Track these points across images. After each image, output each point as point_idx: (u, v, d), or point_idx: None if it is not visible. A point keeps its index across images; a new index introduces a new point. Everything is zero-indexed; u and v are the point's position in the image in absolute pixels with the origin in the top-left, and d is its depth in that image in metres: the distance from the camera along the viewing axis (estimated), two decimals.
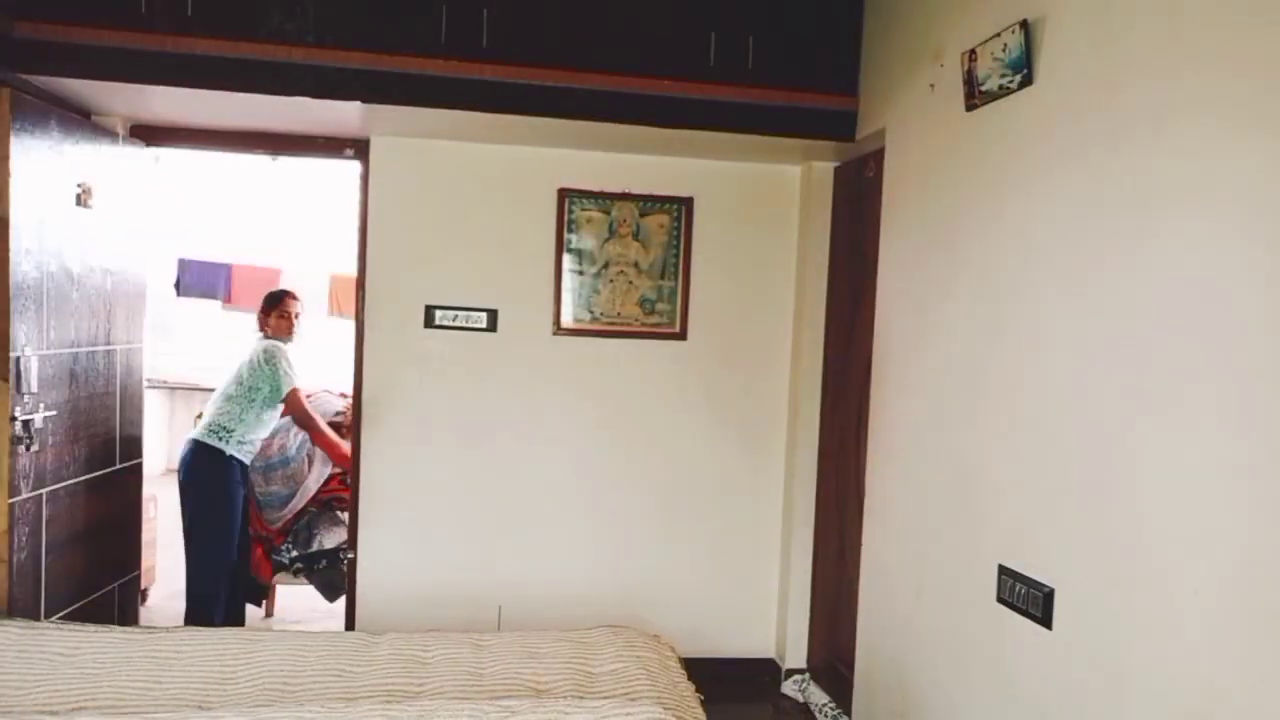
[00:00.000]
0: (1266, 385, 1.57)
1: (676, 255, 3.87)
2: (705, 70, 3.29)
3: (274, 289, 4.39)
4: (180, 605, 3.98)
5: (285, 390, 3.91)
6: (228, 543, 3.79)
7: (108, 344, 3.49)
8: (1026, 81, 2.29)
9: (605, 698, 2.07)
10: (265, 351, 3.92)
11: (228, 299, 7.37)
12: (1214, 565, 1.67)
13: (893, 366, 3.07)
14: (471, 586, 3.80)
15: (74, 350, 3.25)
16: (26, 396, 2.94)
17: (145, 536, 4.01)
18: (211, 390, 7.32)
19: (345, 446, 3.99)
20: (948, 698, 2.62)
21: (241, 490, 3.86)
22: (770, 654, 4.01)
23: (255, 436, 3.91)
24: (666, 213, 3.85)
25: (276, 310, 4.05)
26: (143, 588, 4.11)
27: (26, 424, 2.94)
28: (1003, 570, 2.33)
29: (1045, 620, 2.14)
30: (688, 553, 3.95)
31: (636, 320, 3.85)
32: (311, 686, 2.14)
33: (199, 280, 7.27)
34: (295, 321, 4.08)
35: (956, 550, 2.59)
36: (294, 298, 4.13)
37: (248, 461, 3.90)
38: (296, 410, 4.03)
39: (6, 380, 2.86)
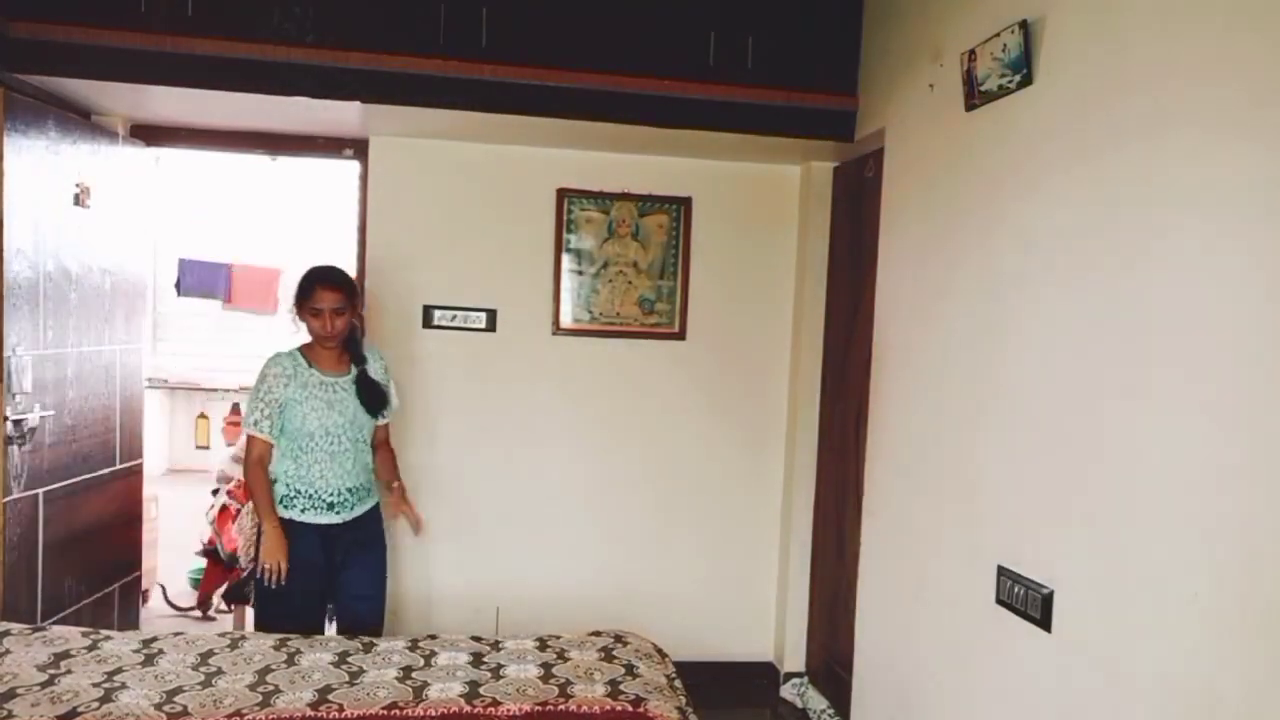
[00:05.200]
0: (1267, 386, 1.57)
1: (675, 255, 3.86)
2: (705, 70, 3.28)
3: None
4: (180, 605, 3.95)
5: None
6: None
7: (107, 344, 3.49)
8: (1026, 82, 2.28)
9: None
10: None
11: (228, 299, 7.38)
12: (1214, 567, 1.66)
13: (893, 366, 3.06)
14: (469, 587, 3.79)
15: (72, 350, 3.25)
16: (19, 396, 2.94)
17: (146, 537, 4.01)
18: (213, 390, 7.46)
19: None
20: (947, 701, 2.61)
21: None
22: (769, 657, 4.00)
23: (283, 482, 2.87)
24: (666, 213, 3.84)
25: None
26: (144, 589, 4.11)
27: (19, 423, 2.94)
28: (1002, 571, 2.32)
29: (1044, 622, 2.13)
30: (686, 554, 3.94)
31: (635, 320, 3.85)
32: None
33: (199, 280, 7.28)
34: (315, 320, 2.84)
35: (955, 551, 2.58)
36: (324, 285, 2.83)
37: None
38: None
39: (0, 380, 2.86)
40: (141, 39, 2.97)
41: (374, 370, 2.94)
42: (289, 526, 2.79)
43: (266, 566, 2.73)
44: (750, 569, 3.98)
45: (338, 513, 2.84)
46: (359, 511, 2.90)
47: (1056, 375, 2.14)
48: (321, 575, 2.84)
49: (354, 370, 2.90)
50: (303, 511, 2.80)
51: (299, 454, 2.80)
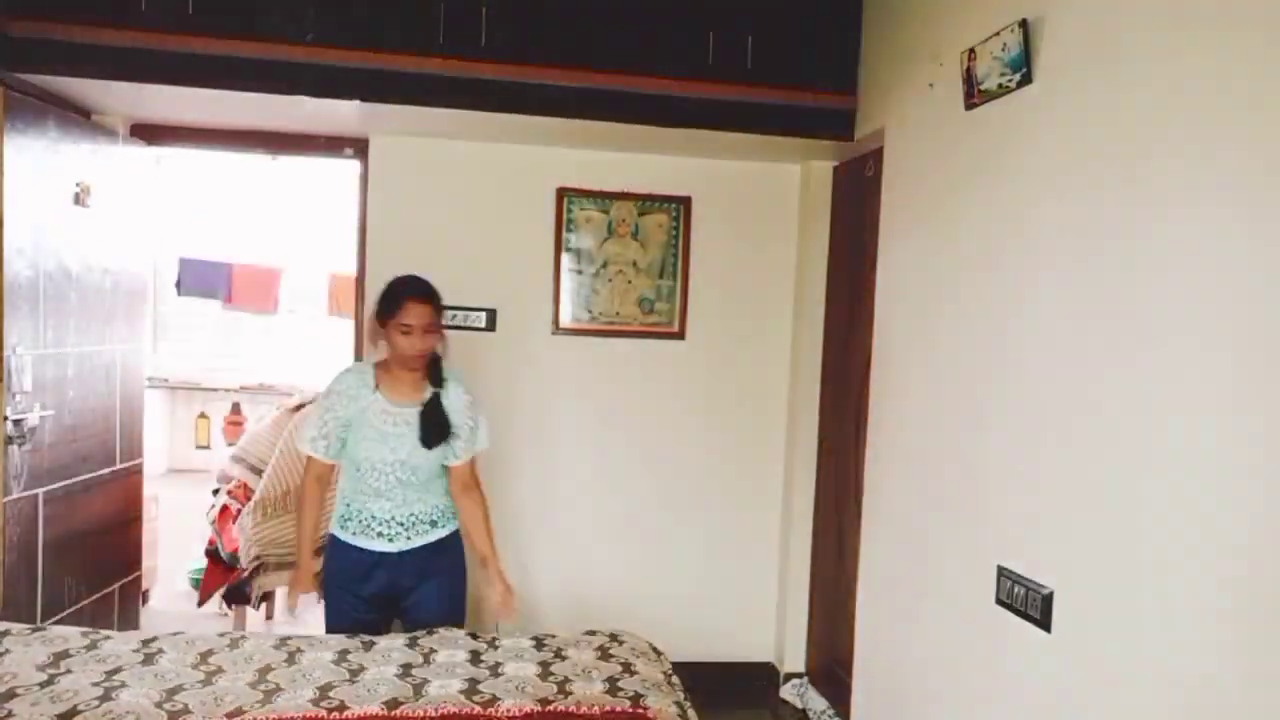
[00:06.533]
0: (1267, 385, 1.56)
1: (675, 255, 3.86)
2: (704, 69, 3.29)
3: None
4: (181, 605, 4.11)
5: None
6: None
7: (107, 344, 3.49)
8: (1026, 80, 2.28)
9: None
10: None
11: (228, 299, 7.38)
12: (1214, 567, 1.66)
13: (892, 366, 3.06)
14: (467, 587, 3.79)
15: (72, 350, 3.25)
16: (19, 396, 2.94)
17: (146, 537, 4.01)
18: (213, 390, 7.47)
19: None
20: (946, 702, 2.61)
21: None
22: (769, 658, 4.00)
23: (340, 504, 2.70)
24: (665, 212, 3.84)
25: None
26: (144, 589, 4.11)
27: (19, 423, 2.94)
28: (1002, 572, 2.32)
29: (1044, 623, 2.13)
30: (686, 554, 3.94)
31: (635, 320, 3.85)
32: None
33: (199, 280, 7.28)
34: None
35: (955, 551, 2.58)
36: (415, 299, 2.52)
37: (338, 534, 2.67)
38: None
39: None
40: (142, 38, 2.97)
41: (450, 398, 2.60)
42: (342, 548, 2.62)
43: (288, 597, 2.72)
44: (750, 569, 3.98)
45: (391, 541, 2.60)
46: (419, 542, 2.62)
47: (1056, 374, 2.14)
48: (377, 601, 2.65)
49: (428, 396, 2.58)
50: (354, 535, 2.61)
51: (353, 478, 2.61)
